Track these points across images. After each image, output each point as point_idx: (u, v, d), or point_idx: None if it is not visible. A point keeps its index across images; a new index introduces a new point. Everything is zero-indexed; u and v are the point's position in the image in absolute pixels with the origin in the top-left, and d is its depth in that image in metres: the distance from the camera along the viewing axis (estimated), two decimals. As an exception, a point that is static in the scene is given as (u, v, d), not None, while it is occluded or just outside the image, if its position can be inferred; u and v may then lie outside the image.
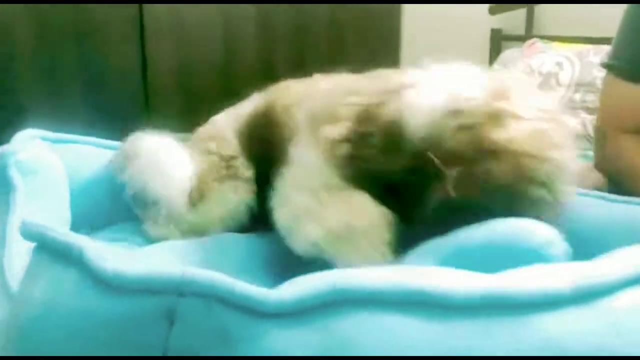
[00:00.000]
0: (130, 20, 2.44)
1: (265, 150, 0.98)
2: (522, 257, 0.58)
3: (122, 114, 2.36)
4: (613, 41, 1.31)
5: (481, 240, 0.60)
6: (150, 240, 1.04)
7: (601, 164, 1.35)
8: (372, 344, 0.40)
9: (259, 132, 1.03)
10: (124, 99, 2.47)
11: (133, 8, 2.44)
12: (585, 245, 0.89)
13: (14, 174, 0.92)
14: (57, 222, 0.97)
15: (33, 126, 1.09)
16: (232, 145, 1.05)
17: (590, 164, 1.42)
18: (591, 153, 1.54)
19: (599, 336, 0.45)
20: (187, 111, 2.54)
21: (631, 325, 0.47)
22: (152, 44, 2.49)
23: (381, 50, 3.02)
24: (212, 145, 1.06)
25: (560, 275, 0.49)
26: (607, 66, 1.32)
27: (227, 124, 1.10)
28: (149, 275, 0.42)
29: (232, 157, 1.03)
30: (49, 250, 0.49)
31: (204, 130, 1.15)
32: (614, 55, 1.30)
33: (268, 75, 2.72)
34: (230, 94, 2.50)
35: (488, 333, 0.42)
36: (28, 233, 0.51)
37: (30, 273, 0.49)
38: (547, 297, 0.45)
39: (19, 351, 0.46)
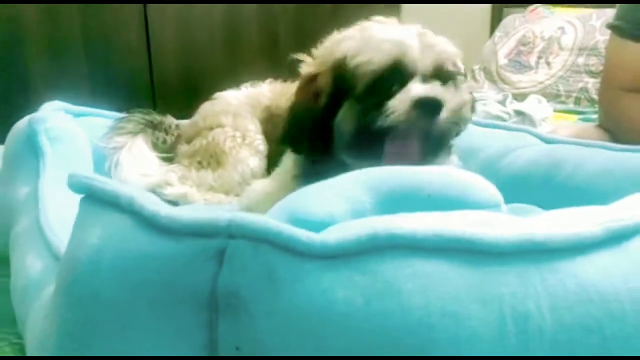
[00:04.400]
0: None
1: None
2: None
3: (127, 90, 2.40)
4: (618, 4, 1.34)
5: (429, 186, 0.57)
6: (168, 201, 1.08)
7: (605, 123, 1.38)
8: (411, 287, 0.42)
9: (271, 125, 1.10)
10: (129, 75, 2.49)
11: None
12: (590, 189, 0.94)
13: (43, 140, 0.95)
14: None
15: (40, 101, 1.12)
16: (248, 122, 1.09)
17: (593, 124, 1.46)
18: (594, 116, 1.57)
19: (626, 276, 0.48)
20: (190, 87, 2.57)
21: None
22: (155, 21, 2.50)
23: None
24: (225, 119, 1.10)
25: (589, 219, 0.51)
26: (612, 27, 1.34)
27: (240, 102, 1.14)
28: (200, 219, 0.44)
29: (249, 130, 1.07)
30: (98, 199, 0.51)
31: (211, 105, 1.18)
32: (619, 17, 1.32)
33: (270, 52, 2.74)
34: (233, 70, 2.53)
35: (524, 279, 0.44)
36: (76, 185, 0.54)
37: (81, 222, 0.52)
38: (581, 241, 0.47)
39: (75, 294, 0.48)
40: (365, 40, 0.81)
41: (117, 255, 0.47)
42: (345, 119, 0.81)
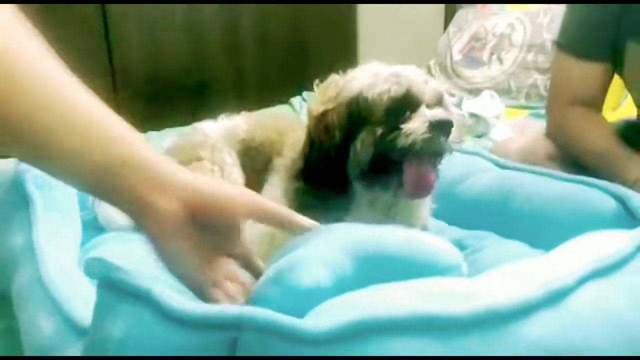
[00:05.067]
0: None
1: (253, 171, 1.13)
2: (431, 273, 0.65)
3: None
4: (561, 21, 1.43)
5: (400, 253, 0.65)
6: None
7: (553, 133, 1.49)
8: None
9: (248, 158, 1.16)
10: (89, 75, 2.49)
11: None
12: (541, 217, 1.04)
13: (31, 188, 1.00)
14: (72, 229, 1.06)
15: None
16: (225, 155, 1.14)
17: (542, 131, 1.56)
18: (543, 111, 1.67)
19: (566, 331, 0.57)
20: (153, 84, 2.58)
21: (588, 315, 0.59)
22: (115, 28, 2.50)
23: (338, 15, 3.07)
24: (203, 153, 1.14)
25: (531, 279, 0.61)
26: (557, 44, 1.44)
27: (217, 135, 1.19)
28: (214, 313, 0.52)
29: (226, 163, 1.13)
30: (116, 289, 0.58)
31: (188, 138, 1.22)
32: (563, 34, 1.42)
33: (232, 51, 2.78)
34: (196, 68, 2.51)
35: (483, 344, 0.53)
36: (93, 273, 0.61)
37: (102, 309, 0.59)
38: (526, 305, 0.57)
39: None
40: (377, 76, 0.91)
41: (141, 347, 0.54)
42: (363, 145, 0.90)
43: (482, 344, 0.54)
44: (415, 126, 0.86)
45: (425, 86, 0.90)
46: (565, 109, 1.43)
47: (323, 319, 0.54)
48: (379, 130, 0.88)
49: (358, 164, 0.91)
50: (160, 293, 0.56)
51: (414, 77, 0.90)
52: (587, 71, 1.38)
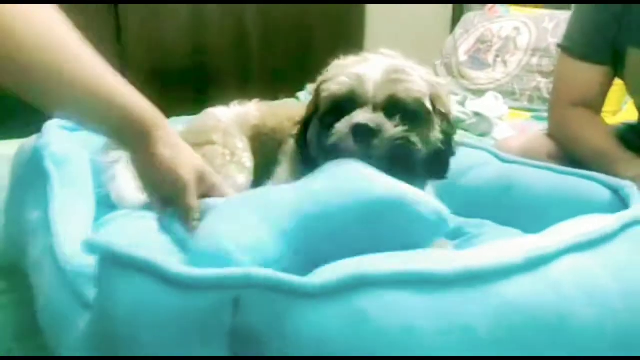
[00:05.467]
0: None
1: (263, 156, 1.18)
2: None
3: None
4: (567, 25, 1.47)
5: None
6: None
7: (555, 134, 1.53)
8: (381, 314, 0.56)
9: (259, 143, 1.20)
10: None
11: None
12: (539, 208, 1.08)
13: (49, 165, 1.04)
14: (86, 205, 1.10)
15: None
16: (237, 140, 1.18)
17: (544, 131, 1.60)
18: (545, 114, 1.71)
19: (539, 295, 0.62)
20: (159, 90, 2.61)
21: (565, 282, 0.64)
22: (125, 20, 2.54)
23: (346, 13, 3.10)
24: (215, 137, 1.18)
25: (516, 248, 0.66)
26: (561, 47, 1.48)
27: (230, 120, 1.23)
28: (218, 275, 0.57)
29: (237, 148, 1.16)
30: (118, 262, 0.61)
31: (201, 122, 1.26)
32: (567, 38, 1.46)
33: (238, 50, 2.81)
34: (201, 73, 2.53)
35: (463, 299, 0.59)
36: (92, 249, 0.64)
37: (105, 283, 0.62)
38: (504, 268, 0.62)
39: (118, 346, 0.60)
40: (335, 72, 0.95)
41: (150, 310, 0.58)
42: (311, 132, 0.99)
43: (462, 300, 0.59)
44: (340, 128, 0.90)
45: (379, 87, 0.90)
46: (566, 110, 1.46)
47: (319, 276, 0.59)
48: (320, 124, 0.95)
49: (312, 144, 0.98)
50: (162, 261, 0.59)
51: (366, 77, 0.91)
52: (589, 74, 1.42)
